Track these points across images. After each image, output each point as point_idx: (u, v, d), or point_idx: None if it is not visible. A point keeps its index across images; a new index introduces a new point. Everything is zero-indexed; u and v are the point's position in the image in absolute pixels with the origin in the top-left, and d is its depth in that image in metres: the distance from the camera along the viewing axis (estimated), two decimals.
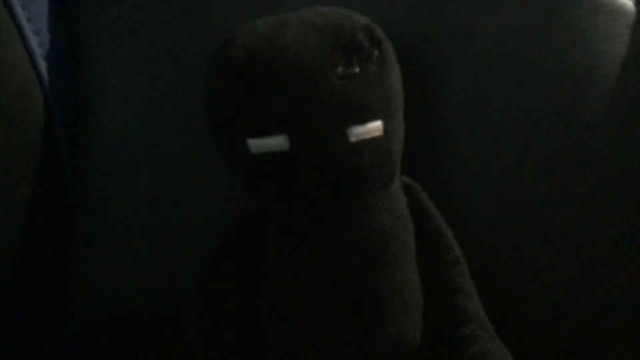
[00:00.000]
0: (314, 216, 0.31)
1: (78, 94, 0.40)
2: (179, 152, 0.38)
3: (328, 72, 0.28)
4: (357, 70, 0.29)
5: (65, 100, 0.39)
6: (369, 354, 0.31)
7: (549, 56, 0.34)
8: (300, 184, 0.30)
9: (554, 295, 0.35)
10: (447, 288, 0.33)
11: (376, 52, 0.29)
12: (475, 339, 0.32)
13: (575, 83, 0.34)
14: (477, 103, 0.35)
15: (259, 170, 0.30)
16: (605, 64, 0.34)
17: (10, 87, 0.37)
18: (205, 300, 0.34)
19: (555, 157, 0.35)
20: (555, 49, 0.34)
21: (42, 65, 0.38)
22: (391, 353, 0.31)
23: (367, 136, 0.29)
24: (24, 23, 0.37)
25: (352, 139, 0.29)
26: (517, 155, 0.35)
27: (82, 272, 0.40)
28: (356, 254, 0.31)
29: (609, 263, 0.35)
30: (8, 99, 0.36)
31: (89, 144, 0.40)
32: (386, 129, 0.30)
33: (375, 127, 0.29)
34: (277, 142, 0.29)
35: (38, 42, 0.38)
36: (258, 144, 0.29)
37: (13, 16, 0.37)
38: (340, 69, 0.28)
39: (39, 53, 0.38)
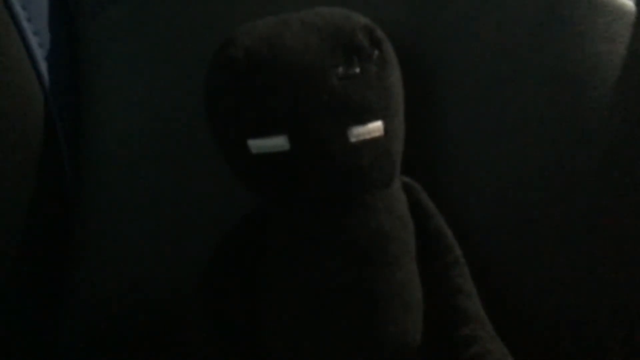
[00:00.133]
0: (314, 216, 0.31)
1: (78, 94, 0.40)
2: (179, 152, 0.38)
3: (328, 73, 0.28)
4: (357, 70, 0.29)
5: (65, 100, 0.39)
6: (369, 354, 0.31)
7: (549, 56, 0.34)
8: (301, 184, 0.30)
9: (554, 295, 0.35)
10: (447, 288, 0.33)
11: (376, 52, 0.29)
12: (476, 339, 0.32)
13: (575, 83, 0.34)
14: (477, 103, 0.35)
15: (259, 170, 0.30)
16: (605, 64, 0.34)
17: (10, 87, 0.37)
18: (206, 300, 0.34)
19: (555, 157, 0.35)
20: (555, 49, 0.34)
21: (42, 65, 0.38)
22: (391, 353, 0.31)
23: (368, 136, 0.29)
24: (24, 23, 0.37)
25: (353, 139, 0.29)
26: (517, 155, 0.35)
27: (83, 272, 0.40)
28: (356, 254, 0.31)
29: (609, 263, 0.35)
30: (8, 99, 0.36)
31: (89, 144, 0.40)
32: (386, 129, 0.30)
33: (375, 127, 0.29)
34: (278, 142, 0.29)
35: (38, 42, 0.38)
36: (258, 145, 0.29)
37: (13, 16, 0.37)
38: (340, 70, 0.28)
39: (39, 53, 0.38)
